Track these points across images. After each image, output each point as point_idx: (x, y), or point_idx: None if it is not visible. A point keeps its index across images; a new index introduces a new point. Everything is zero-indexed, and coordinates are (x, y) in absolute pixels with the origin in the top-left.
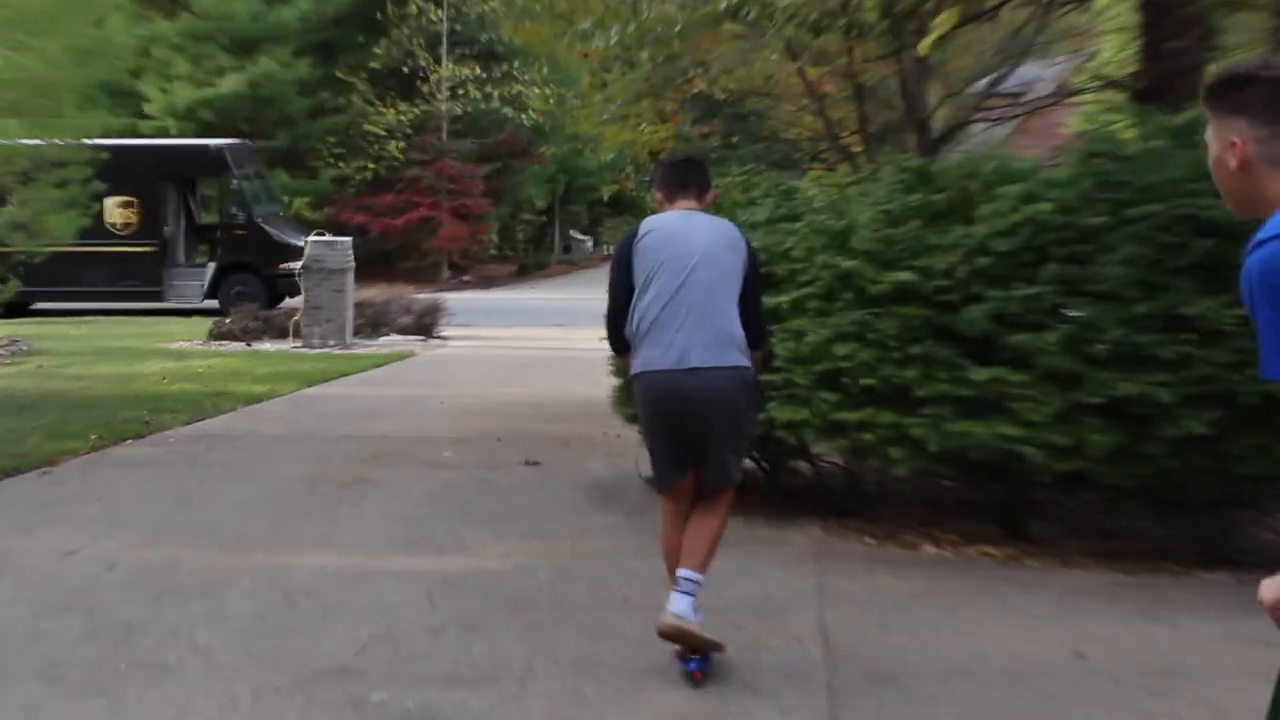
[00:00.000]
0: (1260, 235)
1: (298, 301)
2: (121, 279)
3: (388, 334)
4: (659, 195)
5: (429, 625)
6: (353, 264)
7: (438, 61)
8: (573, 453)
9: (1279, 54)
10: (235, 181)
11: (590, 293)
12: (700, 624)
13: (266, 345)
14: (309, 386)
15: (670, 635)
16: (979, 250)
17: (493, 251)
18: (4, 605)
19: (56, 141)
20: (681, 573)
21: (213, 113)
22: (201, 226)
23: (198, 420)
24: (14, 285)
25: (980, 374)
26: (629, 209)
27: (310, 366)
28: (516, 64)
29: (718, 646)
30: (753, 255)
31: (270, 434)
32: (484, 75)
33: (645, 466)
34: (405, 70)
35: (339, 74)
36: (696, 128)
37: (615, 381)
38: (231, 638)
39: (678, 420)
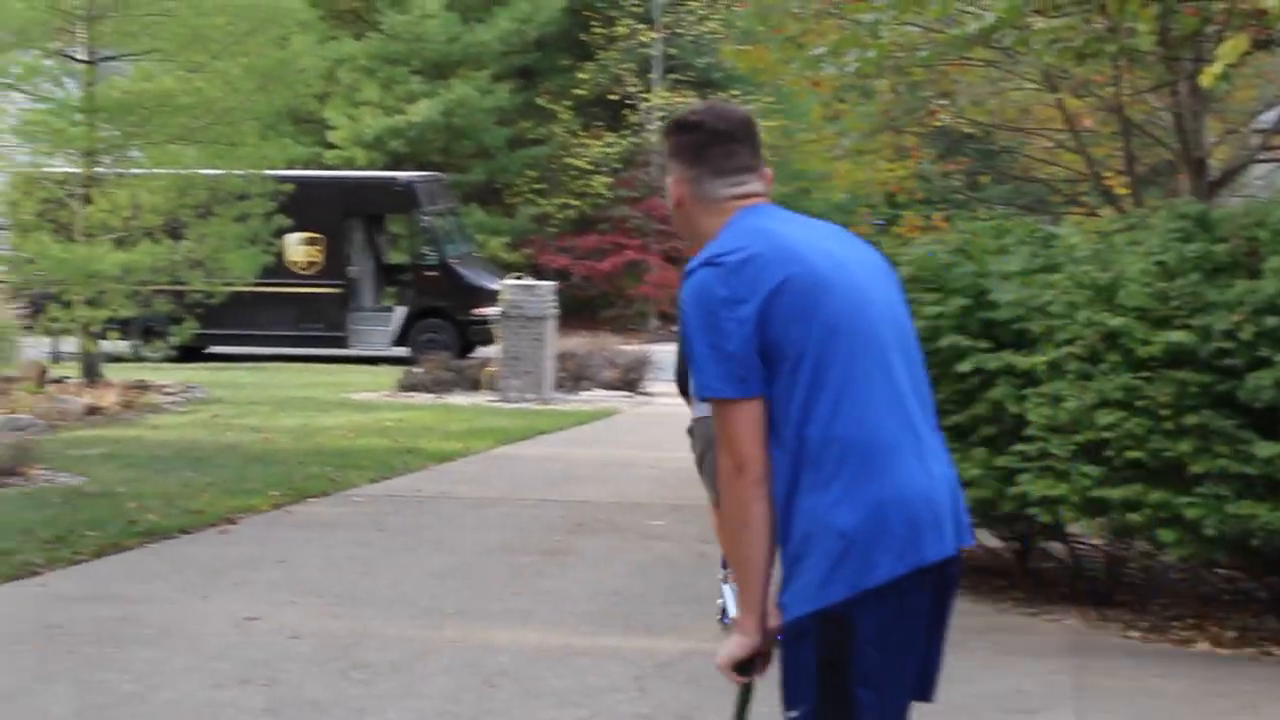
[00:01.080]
0: (690, 265)
1: (493, 351)
2: (303, 323)
3: (590, 388)
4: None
5: (638, 713)
6: (554, 311)
7: (649, 89)
8: None
9: (721, 104)
10: (426, 219)
11: None
12: None
13: (458, 398)
14: (505, 445)
15: None
16: (1267, 308)
17: None
18: (179, 675)
19: (236, 172)
20: None
21: (403, 143)
22: (389, 267)
23: (385, 478)
24: (190, 327)
25: (1266, 449)
26: None
27: (506, 423)
28: (736, 92)
29: None
30: None
31: (463, 496)
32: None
33: None
34: (613, 98)
35: (540, 102)
36: (939, 165)
37: None
38: None
39: None
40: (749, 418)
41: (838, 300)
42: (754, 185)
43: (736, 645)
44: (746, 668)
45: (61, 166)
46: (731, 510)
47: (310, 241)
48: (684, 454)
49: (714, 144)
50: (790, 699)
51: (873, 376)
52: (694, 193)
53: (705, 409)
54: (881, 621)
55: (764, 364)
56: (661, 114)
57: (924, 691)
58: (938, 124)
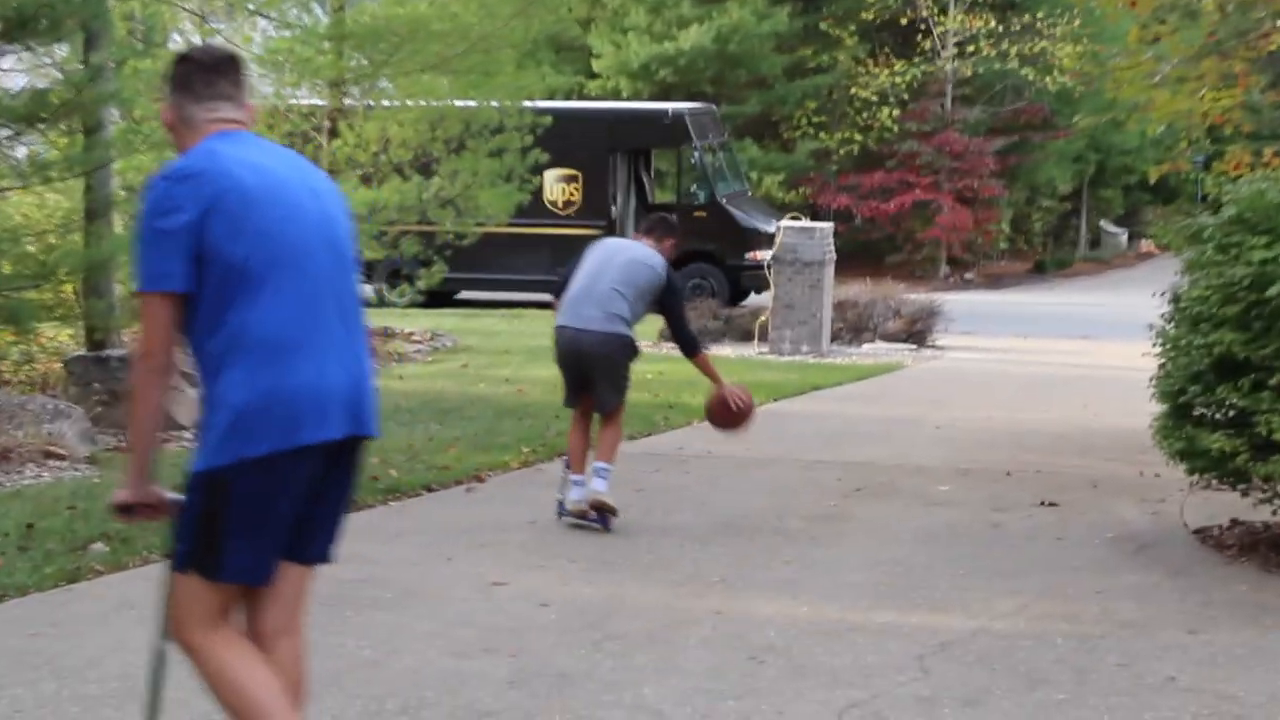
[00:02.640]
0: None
1: (765, 299)
2: (561, 266)
3: (871, 341)
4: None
5: (920, 696)
6: (833, 256)
7: (944, 11)
8: (1100, 494)
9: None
10: (696, 154)
11: (1126, 297)
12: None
13: (727, 350)
14: (776, 401)
15: (596, 507)
16: None
17: (1003, 245)
18: (421, 641)
19: (492, 104)
20: (598, 464)
21: (672, 72)
22: (655, 207)
23: (646, 435)
24: (439, 270)
25: None
26: (1177, 195)
27: (779, 377)
28: (1041, 14)
29: (614, 510)
30: (670, 282)
31: (731, 456)
32: (1000, 28)
33: (1191, 514)
34: (904, 22)
35: (823, 26)
36: (1271, 94)
37: (1159, 408)
38: (684, 697)
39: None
40: (161, 311)
41: (268, 214)
42: (229, 112)
43: (119, 493)
44: (130, 512)
45: (307, 98)
46: (134, 387)
47: (569, 179)
48: (975, 413)
49: (197, 74)
50: (178, 536)
51: (292, 283)
52: (179, 116)
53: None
54: (255, 487)
55: (200, 267)
56: (958, 39)
57: (319, 554)
58: (1271, 48)
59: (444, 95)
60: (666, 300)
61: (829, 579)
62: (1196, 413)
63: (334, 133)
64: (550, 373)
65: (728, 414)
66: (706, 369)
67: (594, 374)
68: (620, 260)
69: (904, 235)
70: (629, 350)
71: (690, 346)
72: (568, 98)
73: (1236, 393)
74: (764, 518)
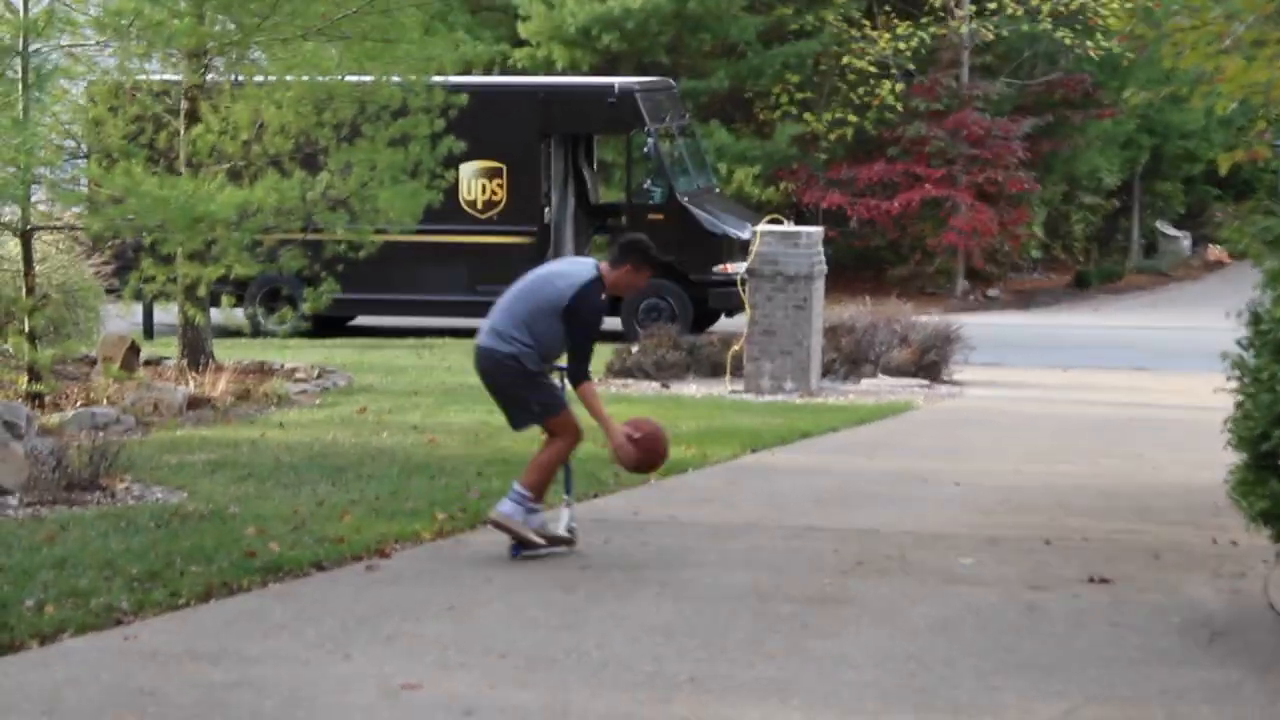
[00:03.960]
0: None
1: (739, 323)
2: (482, 284)
3: (873, 375)
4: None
5: None
6: (823, 268)
7: None
8: (1164, 567)
9: None
10: (650, 141)
11: (1191, 318)
12: (520, 523)
13: (692, 387)
14: (755, 451)
15: (493, 525)
16: None
17: (1035, 253)
18: None
19: (393, 79)
20: (514, 482)
21: (619, 37)
22: (598, 208)
23: (591, 497)
24: (329, 289)
25: None
26: (1252, 188)
27: (757, 421)
28: None
29: (530, 542)
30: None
31: (698, 521)
32: None
33: (1278, 593)
34: None
35: None
36: None
37: (1236, 458)
38: None
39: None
40: None
41: None
42: None
43: None
44: None
45: (160, 73)
46: None
47: (492, 174)
48: (1004, 466)
49: None
50: None
51: None
52: None
53: None
54: None
55: None
56: None
57: None
58: None
59: (332, 68)
60: (565, 322)
61: (826, 677)
62: None
63: (194, 116)
64: (471, 418)
65: (635, 453)
66: (588, 405)
67: (491, 394)
68: (536, 274)
69: (911, 242)
70: (512, 368)
71: (573, 376)
72: (489, 71)
73: None
74: (743, 600)
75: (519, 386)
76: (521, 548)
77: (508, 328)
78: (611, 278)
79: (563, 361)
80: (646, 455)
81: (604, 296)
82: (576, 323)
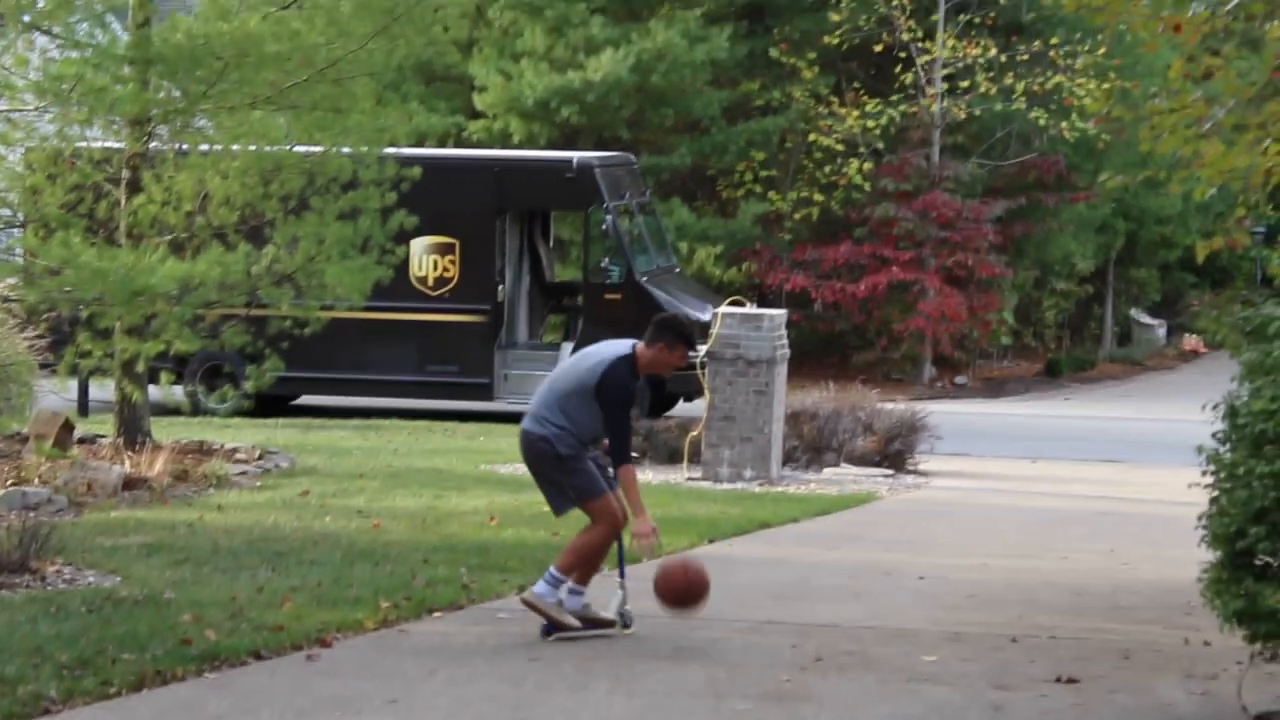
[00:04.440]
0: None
1: (698, 408)
2: (432, 364)
3: (835, 464)
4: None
5: None
6: (786, 352)
7: (929, 36)
8: (1134, 668)
9: None
10: (609, 218)
11: (1166, 410)
12: (553, 604)
13: (648, 474)
14: (712, 543)
15: (525, 604)
16: None
17: (1005, 340)
18: None
19: (344, 150)
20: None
21: (578, 110)
22: (554, 286)
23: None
24: (272, 367)
25: None
26: (1230, 277)
27: (715, 510)
28: (1056, 40)
29: (562, 624)
30: (598, 384)
31: (653, 614)
32: (1003, 58)
33: (1253, 695)
34: (878, 49)
35: (774, 54)
36: None
37: (1210, 555)
38: None
39: None
40: None
41: None
42: None
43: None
44: None
45: (101, 140)
46: None
47: (444, 250)
48: (970, 560)
49: None
50: None
51: None
52: None
53: None
54: None
55: None
56: (948, 71)
57: None
58: None
59: (280, 138)
60: (597, 401)
61: None
62: (1260, 562)
63: (135, 186)
64: (418, 503)
65: (677, 588)
66: (625, 489)
67: (533, 478)
68: (575, 355)
69: (877, 326)
70: (545, 451)
71: (614, 455)
72: (443, 143)
73: None
74: (699, 697)
75: (553, 469)
76: (554, 629)
77: (543, 410)
78: (646, 357)
79: None
80: (689, 587)
81: (636, 375)
82: (604, 401)
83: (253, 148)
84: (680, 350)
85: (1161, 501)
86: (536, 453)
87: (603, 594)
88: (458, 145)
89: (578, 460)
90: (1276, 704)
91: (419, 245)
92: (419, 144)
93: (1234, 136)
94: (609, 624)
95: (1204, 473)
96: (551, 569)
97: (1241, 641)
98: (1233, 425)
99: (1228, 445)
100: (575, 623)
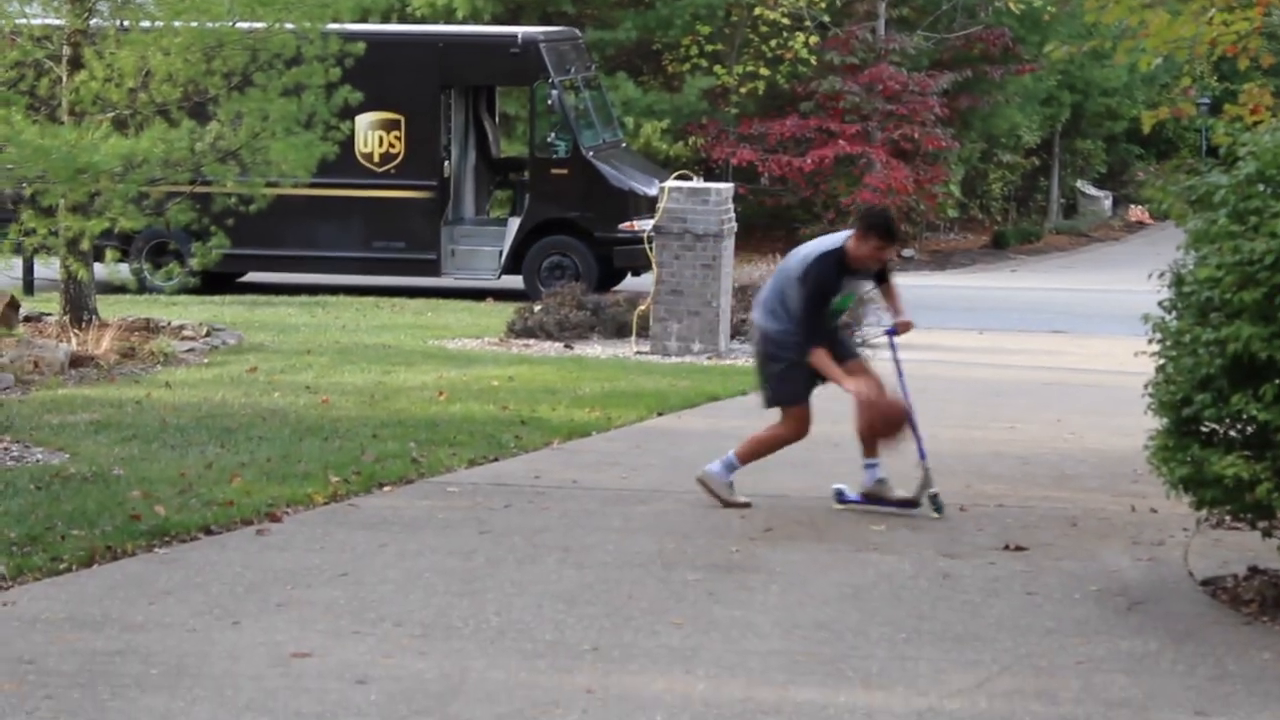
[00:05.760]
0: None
1: (646, 282)
2: (378, 240)
3: None
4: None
5: None
6: (733, 226)
7: None
8: (1081, 536)
9: None
10: (554, 93)
11: (1112, 280)
12: (724, 485)
13: (596, 348)
14: (661, 415)
15: (698, 482)
16: None
17: (952, 213)
18: None
19: (286, 26)
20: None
21: None
22: (500, 162)
23: (491, 460)
24: (218, 244)
25: None
26: (1176, 147)
27: (663, 384)
28: None
29: (729, 502)
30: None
31: (602, 487)
32: None
33: (1198, 561)
34: None
35: None
36: None
37: (1156, 423)
38: None
39: None
40: None
41: None
42: None
43: None
44: None
45: (41, 17)
46: None
47: (389, 126)
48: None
49: None
50: None
51: None
52: None
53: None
54: None
55: None
56: None
57: None
58: None
59: (223, 14)
60: (800, 290)
61: (733, 646)
62: (1205, 429)
63: (77, 63)
64: (366, 379)
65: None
66: (818, 367)
67: None
68: (798, 249)
69: (824, 199)
70: (767, 343)
71: (804, 338)
72: (387, 19)
73: (1257, 404)
74: (648, 567)
75: (765, 364)
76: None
77: (767, 301)
78: (856, 250)
79: None
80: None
81: (845, 269)
82: (799, 291)
83: (195, 24)
84: (887, 242)
85: (1108, 371)
86: (760, 343)
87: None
88: (402, 21)
89: (789, 367)
90: (1222, 569)
91: (364, 121)
92: (363, 20)
93: (1180, 6)
94: (907, 503)
95: (1150, 341)
96: (730, 453)
97: (1188, 508)
98: (1179, 294)
99: (1174, 313)
100: (743, 500)
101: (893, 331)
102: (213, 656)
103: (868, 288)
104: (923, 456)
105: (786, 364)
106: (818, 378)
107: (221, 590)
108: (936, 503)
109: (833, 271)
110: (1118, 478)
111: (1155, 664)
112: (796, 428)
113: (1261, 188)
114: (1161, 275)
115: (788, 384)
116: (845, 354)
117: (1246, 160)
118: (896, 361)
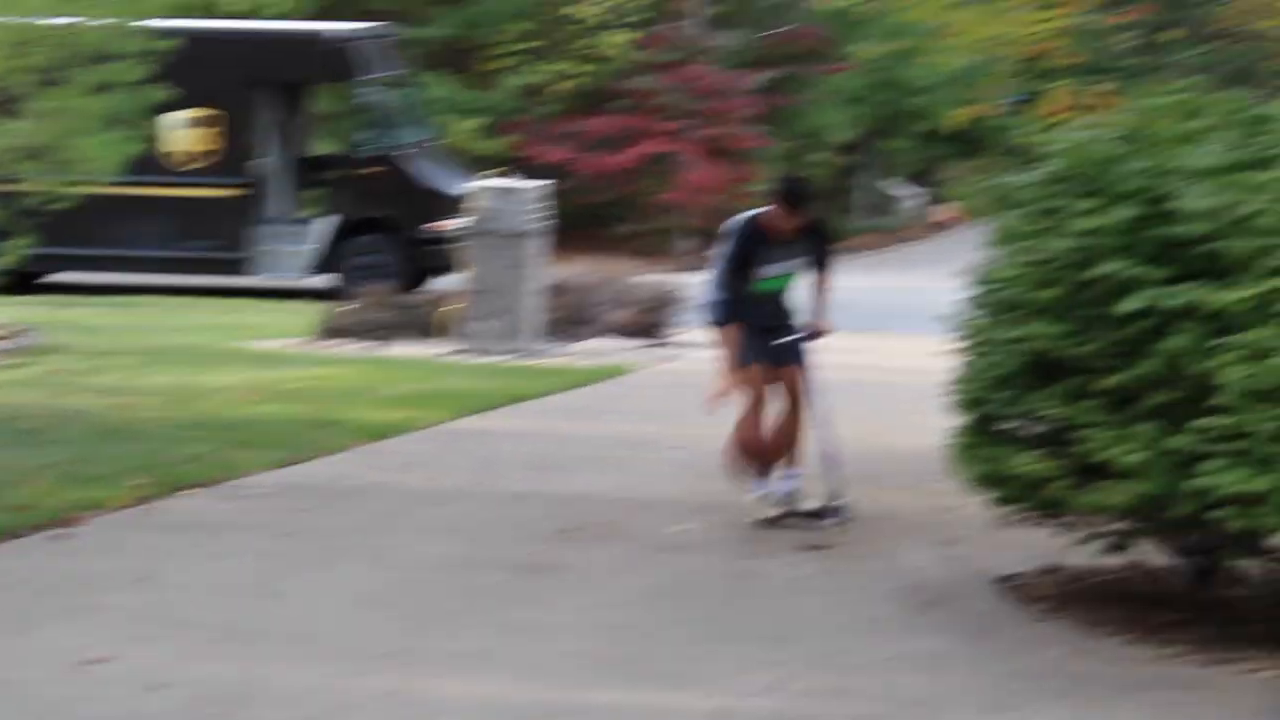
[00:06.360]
0: None
1: (455, 281)
2: (186, 239)
3: (592, 336)
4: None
5: None
6: (545, 225)
7: None
8: (882, 534)
9: None
10: (365, 91)
11: (919, 278)
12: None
13: (404, 348)
14: (468, 415)
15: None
16: None
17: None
18: None
19: (94, 22)
20: None
21: None
22: (312, 161)
23: (295, 462)
24: (23, 244)
25: None
26: (981, 146)
27: (471, 384)
28: None
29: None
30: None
31: (406, 488)
32: None
33: (995, 559)
34: None
35: None
36: (1106, 16)
37: (956, 422)
38: None
39: None
40: None
41: None
42: None
43: None
44: None
45: None
46: None
47: (200, 124)
48: (721, 431)
49: None
50: None
51: None
52: None
53: None
54: None
55: None
56: None
57: None
58: None
59: (31, 9)
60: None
61: (532, 648)
62: (1003, 427)
63: None
64: (171, 380)
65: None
66: (723, 346)
67: None
68: None
69: (638, 198)
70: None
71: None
72: (199, 16)
73: (1053, 402)
74: (449, 569)
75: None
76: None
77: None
78: (769, 218)
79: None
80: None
81: (758, 233)
82: (719, 251)
83: (3, 19)
84: (788, 208)
85: (912, 370)
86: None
87: None
88: (213, 18)
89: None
90: (1016, 566)
91: (174, 119)
92: (173, 17)
93: (987, 8)
94: (817, 514)
95: (951, 340)
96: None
97: (984, 506)
98: (981, 292)
99: (975, 312)
100: (770, 512)
101: (807, 335)
102: (4, 663)
103: (797, 269)
104: (829, 465)
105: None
106: (769, 339)
107: (16, 596)
108: (837, 512)
109: (749, 232)
110: (918, 476)
111: (950, 662)
112: (749, 395)
113: (1063, 187)
114: (964, 274)
115: (728, 359)
116: (784, 359)
117: (1049, 159)
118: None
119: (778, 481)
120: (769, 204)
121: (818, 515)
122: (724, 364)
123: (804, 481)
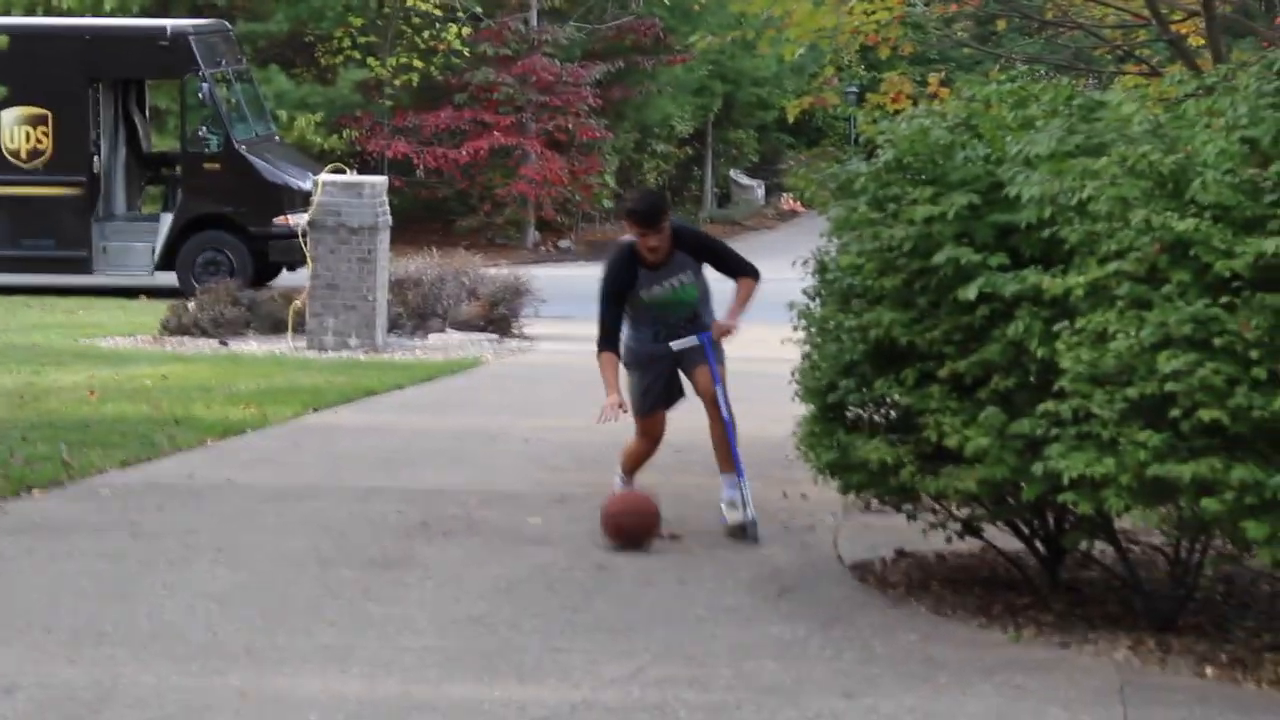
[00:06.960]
0: None
1: (301, 277)
2: (25, 237)
3: (441, 330)
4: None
5: None
6: (388, 219)
7: None
8: None
9: None
10: (205, 87)
11: (765, 268)
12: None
13: (252, 345)
14: (317, 411)
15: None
16: None
17: (607, 204)
18: None
19: None
20: None
21: None
22: (152, 157)
23: (144, 461)
24: None
25: None
26: (822, 136)
27: (320, 379)
28: None
29: None
30: None
31: (257, 485)
32: None
33: (847, 546)
34: None
35: None
36: (938, 6)
37: (804, 411)
38: None
39: None
40: None
41: None
42: None
43: None
44: None
45: None
46: None
47: (35, 121)
48: (575, 422)
49: None
50: None
51: None
52: None
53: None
54: None
55: None
56: None
57: None
58: None
59: None
60: None
61: (388, 644)
62: (850, 414)
63: None
64: (14, 380)
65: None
66: (602, 371)
67: None
68: None
69: (480, 192)
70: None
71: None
72: (31, 11)
73: (898, 388)
74: (303, 566)
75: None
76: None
77: None
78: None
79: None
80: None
81: (634, 259)
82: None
83: None
84: (642, 227)
85: (758, 359)
86: None
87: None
88: (47, 14)
89: (637, 368)
90: (870, 553)
91: (9, 116)
92: (6, 12)
93: None
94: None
95: (795, 328)
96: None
97: (836, 493)
98: (822, 280)
99: (818, 300)
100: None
101: (705, 336)
102: None
103: (689, 280)
104: (740, 476)
105: (632, 373)
106: (674, 385)
107: None
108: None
109: (621, 261)
110: (769, 464)
111: (805, 649)
112: (642, 441)
113: (901, 175)
114: (805, 263)
115: (632, 395)
116: (687, 366)
117: (886, 148)
118: (711, 366)
119: (725, 490)
120: (630, 226)
121: (741, 531)
122: (606, 384)
123: (740, 491)
